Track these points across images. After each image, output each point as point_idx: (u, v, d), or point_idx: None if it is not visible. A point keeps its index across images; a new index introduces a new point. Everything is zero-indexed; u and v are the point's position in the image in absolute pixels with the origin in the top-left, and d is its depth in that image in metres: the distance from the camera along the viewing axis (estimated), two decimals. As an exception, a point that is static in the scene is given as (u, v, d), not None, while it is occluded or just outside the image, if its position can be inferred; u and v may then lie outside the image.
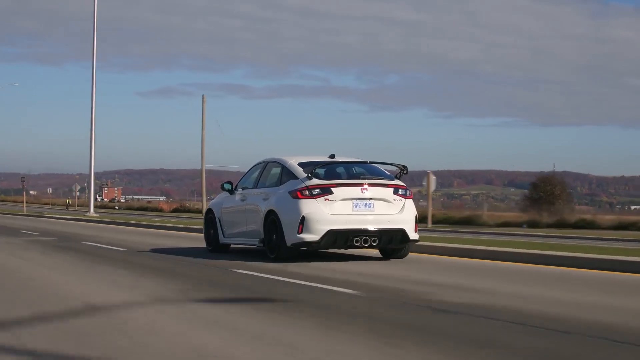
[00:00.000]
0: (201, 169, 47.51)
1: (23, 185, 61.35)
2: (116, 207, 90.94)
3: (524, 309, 7.31)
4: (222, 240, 14.67)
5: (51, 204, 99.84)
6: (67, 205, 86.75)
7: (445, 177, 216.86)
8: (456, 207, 66.84)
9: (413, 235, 12.81)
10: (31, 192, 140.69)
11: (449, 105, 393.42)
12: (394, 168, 13.65)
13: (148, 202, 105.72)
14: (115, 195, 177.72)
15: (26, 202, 60.74)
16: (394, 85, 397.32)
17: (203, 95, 47.81)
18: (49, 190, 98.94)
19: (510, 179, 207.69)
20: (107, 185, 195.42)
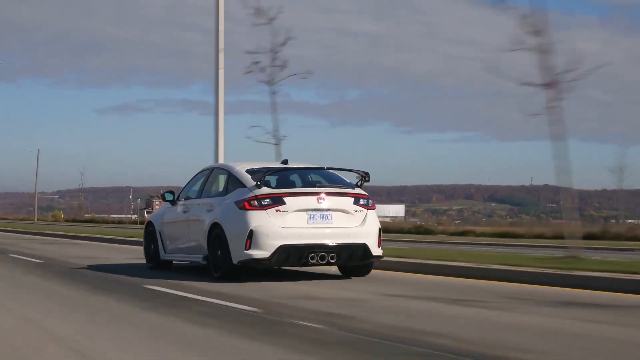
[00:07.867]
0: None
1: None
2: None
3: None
4: (164, 256, 13.13)
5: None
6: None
7: (424, 192, 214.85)
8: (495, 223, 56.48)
9: (376, 250, 11.34)
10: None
11: (410, 120, 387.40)
12: (354, 175, 12.14)
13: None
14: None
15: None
16: (354, 100, 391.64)
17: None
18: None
19: (490, 193, 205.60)
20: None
